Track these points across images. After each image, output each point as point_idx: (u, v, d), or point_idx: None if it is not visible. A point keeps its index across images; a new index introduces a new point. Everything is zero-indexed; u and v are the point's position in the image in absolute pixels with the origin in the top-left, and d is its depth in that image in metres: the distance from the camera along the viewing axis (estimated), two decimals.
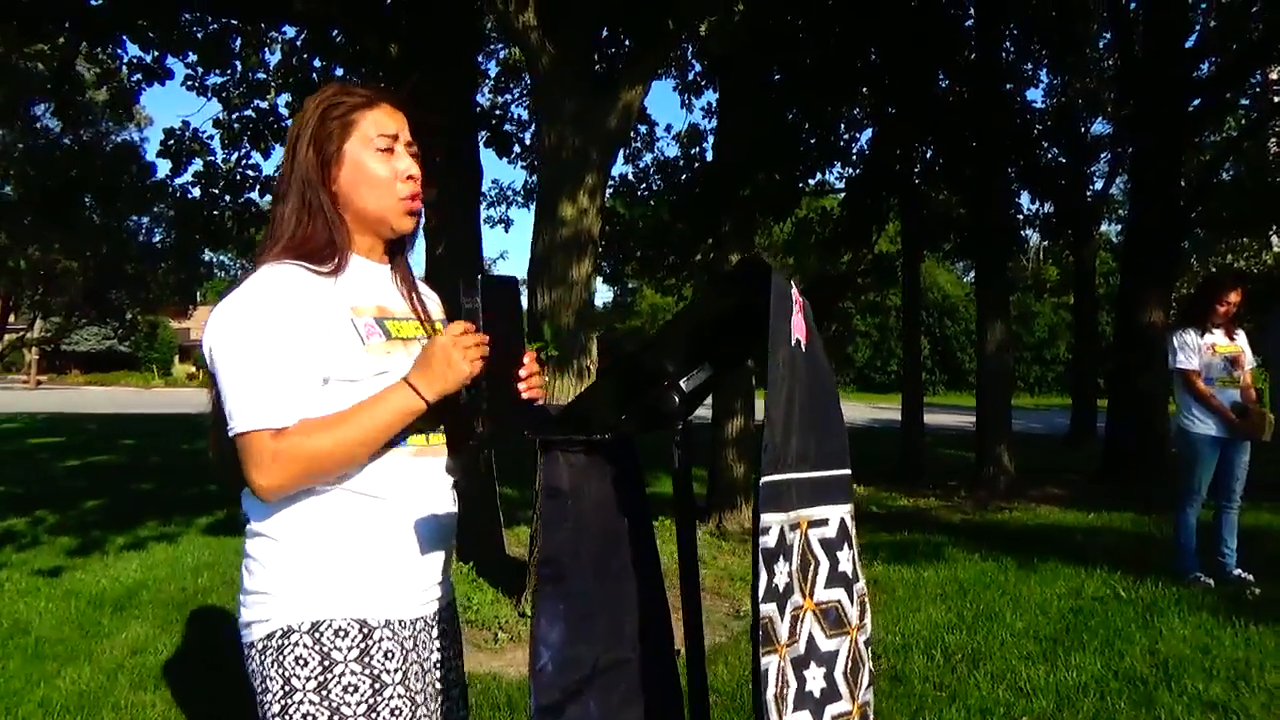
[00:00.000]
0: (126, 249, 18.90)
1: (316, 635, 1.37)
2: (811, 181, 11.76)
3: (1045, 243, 19.47)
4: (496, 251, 57.98)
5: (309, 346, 1.36)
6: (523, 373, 1.48)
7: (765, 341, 1.34)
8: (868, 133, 12.66)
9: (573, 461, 1.61)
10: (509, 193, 15.51)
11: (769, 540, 1.28)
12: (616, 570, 1.67)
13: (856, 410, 26.60)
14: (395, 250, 1.60)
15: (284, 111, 8.68)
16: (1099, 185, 17.13)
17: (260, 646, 1.38)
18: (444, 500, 1.54)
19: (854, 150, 12.39)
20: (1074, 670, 4.15)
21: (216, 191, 8.89)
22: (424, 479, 1.50)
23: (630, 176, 11.86)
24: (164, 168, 9.14)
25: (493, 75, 11.32)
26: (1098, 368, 16.88)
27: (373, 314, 1.47)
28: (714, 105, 11.02)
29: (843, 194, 13.20)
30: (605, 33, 6.28)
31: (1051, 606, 5.28)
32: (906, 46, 9.88)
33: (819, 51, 9.88)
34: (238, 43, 8.32)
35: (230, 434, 1.34)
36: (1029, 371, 39.81)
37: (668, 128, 25.69)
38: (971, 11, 10.76)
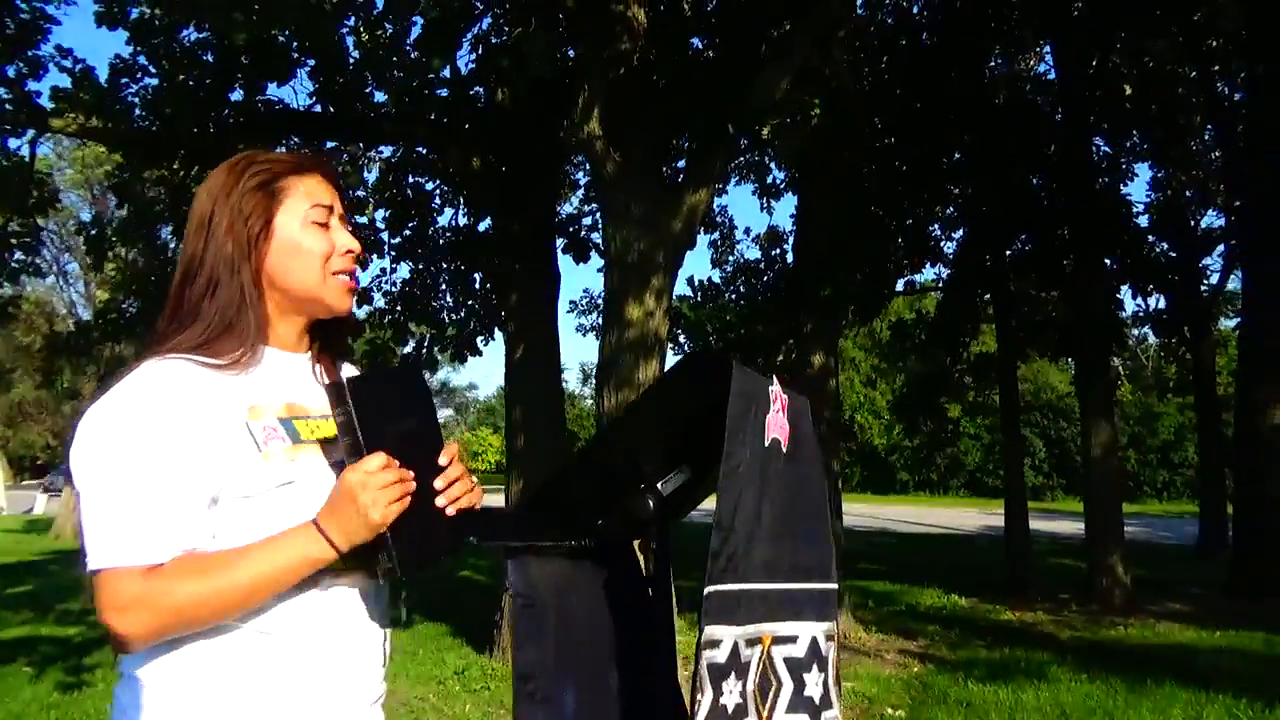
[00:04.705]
0: None
1: None
2: (900, 283, 11.63)
3: (1159, 340, 18.54)
4: (593, 359, 58.74)
5: (192, 462, 1.12)
6: (440, 481, 1.23)
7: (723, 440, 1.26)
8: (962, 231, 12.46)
9: (549, 568, 1.50)
10: (598, 301, 15.75)
11: (717, 655, 1.18)
12: (617, 687, 1.54)
13: (967, 517, 25.47)
14: (327, 335, 1.37)
15: (381, 226, 9.15)
16: (1215, 279, 16.29)
17: None
18: (362, 634, 1.26)
19: (949, 250, 12.23)
20: None
21: None
22: (336, 608, 1.22)
23: (717, 279, 11.95)
24: None
25: (583, 185, 11.65)
26: (1224, 472, 15.76)
27: (278, 413, 1.22)
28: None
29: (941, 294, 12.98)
30: (672, 139, 6.42)
31: None
32: (991, 145, 9.78)
33: (902, 152, 9.88)
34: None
35: (86, 569, 1.09)
36: (1155, 476, 37.43)
37: (746, 230, 25.98)
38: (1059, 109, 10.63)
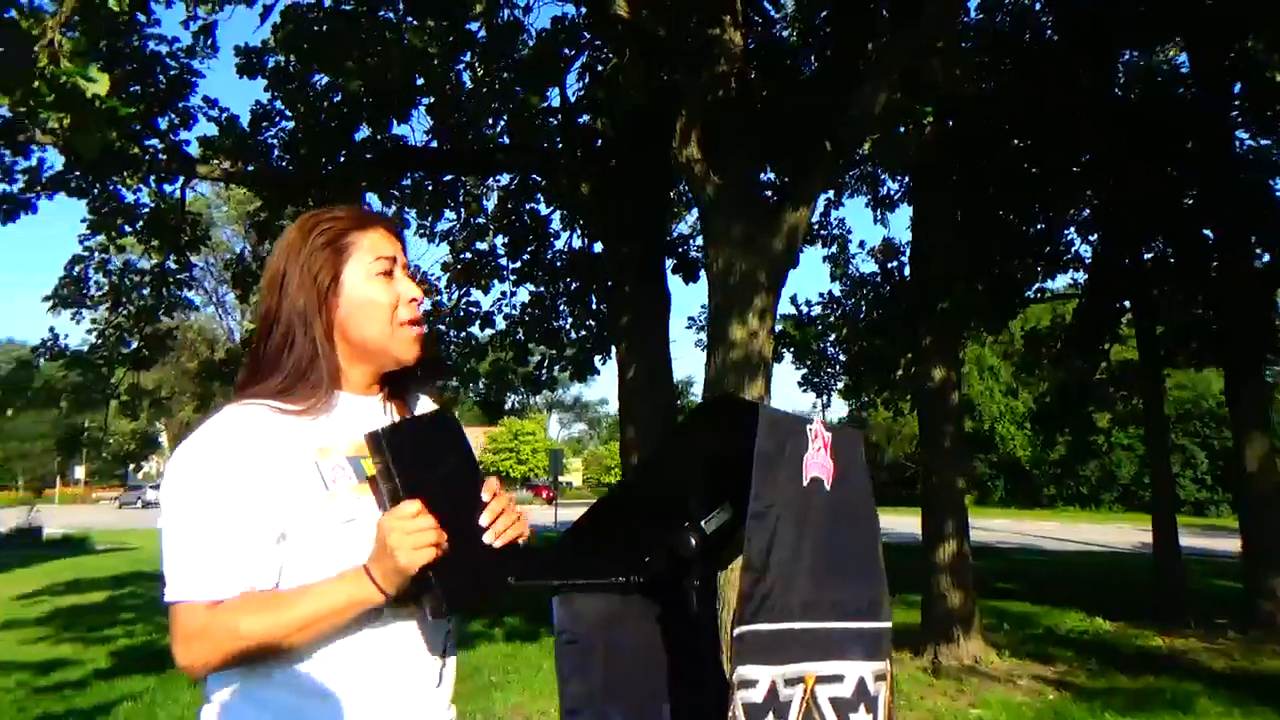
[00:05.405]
0: None
1: None
2: (1031, 289, 11.14)
3: None
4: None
5: (264, 503, 1.21)
6: (484, 517, 1.28)
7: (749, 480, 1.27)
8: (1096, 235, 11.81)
9: (596, 603, 1.53)
10: None
11: (753, 695, 1.19)
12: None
13: (1121, 533, 24.13)
14: (397, 382, 1.44)
15: (500, 251, 9.47)
16: None
17: None
18: (421, 663, 1.32)
19: (1088, 255, 11.64)
20: None
21: (443, 328, 9.73)
22: (394, 640, 1.29)
23: (837, 293, 11.74)
24: None
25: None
26: None
27: (347, 452, 1.29)
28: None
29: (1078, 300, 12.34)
30: (771, 159, 6.39)
31: None
32: (1126, 143, 9.27)
33: (1029, 154, 9.49)
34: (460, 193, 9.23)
35: (163, 600, 1.20)
36: None
37: (861, 243, 24.54)
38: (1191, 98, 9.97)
